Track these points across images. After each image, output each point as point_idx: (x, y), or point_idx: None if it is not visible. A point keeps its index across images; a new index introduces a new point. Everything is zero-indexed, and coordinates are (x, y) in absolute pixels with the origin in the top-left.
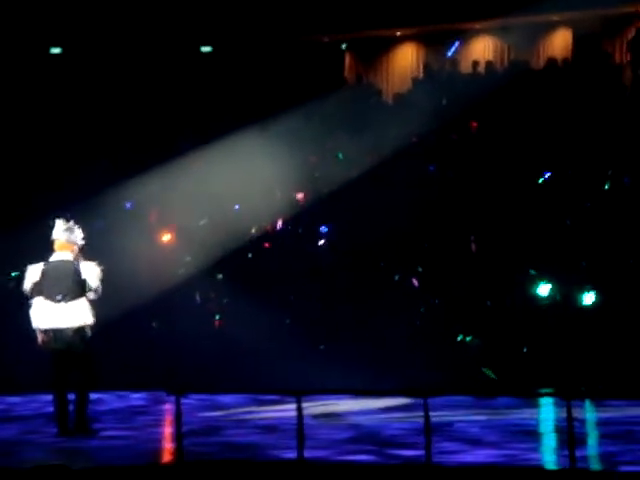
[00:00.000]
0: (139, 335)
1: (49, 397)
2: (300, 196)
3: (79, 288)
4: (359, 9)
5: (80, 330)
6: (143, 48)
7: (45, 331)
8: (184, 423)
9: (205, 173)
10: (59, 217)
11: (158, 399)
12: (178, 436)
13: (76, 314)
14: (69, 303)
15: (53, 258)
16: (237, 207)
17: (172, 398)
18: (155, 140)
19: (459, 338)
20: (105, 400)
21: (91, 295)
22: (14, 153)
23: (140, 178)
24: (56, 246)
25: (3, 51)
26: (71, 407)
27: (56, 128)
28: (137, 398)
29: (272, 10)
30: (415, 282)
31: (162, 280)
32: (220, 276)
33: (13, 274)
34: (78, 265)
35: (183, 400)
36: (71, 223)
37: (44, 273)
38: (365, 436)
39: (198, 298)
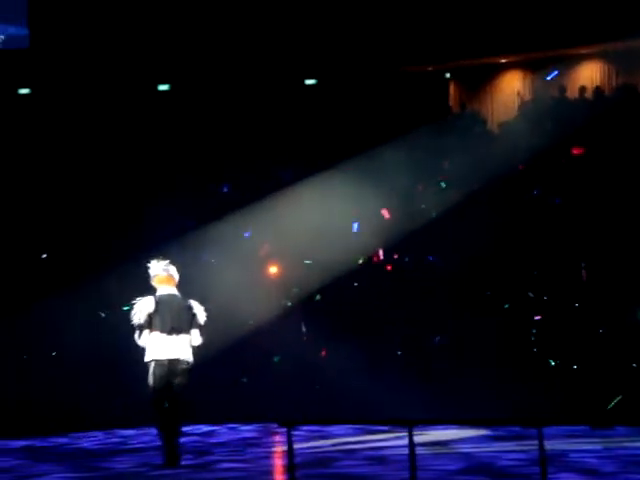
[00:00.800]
0: (248, 367)
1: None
2: (385, 213)
3: (189, 322)
4: (463, 38)
5: (187, 362)
6: (249, 81)
7: (158, 361)
8: (296, 455)
9: (310, 204)
10: (154, 257)
11: (269, 431)
12: (290, 468)
13: (186, 347)
14: (180, 336)
15: (162, 292)
16: (355, 226)
17: (283, 429)
18: (259, 171)
19: (552, 363)
20: (217, 432)
21: (196, 332)
22: (115, 185)
23: (246, 210)
24: (158, 281)
25: (113, 88)
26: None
27: (157, 161)
28: (248, 430)
29: (376, 41)
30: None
31: (269, 311)
32: (318, 297)
33: (125, 308)
34: (187, 301)
35: (294, 431)
36: (167, 261)
37: (157, 306)
38: (478, 467)
39: (304, 328)
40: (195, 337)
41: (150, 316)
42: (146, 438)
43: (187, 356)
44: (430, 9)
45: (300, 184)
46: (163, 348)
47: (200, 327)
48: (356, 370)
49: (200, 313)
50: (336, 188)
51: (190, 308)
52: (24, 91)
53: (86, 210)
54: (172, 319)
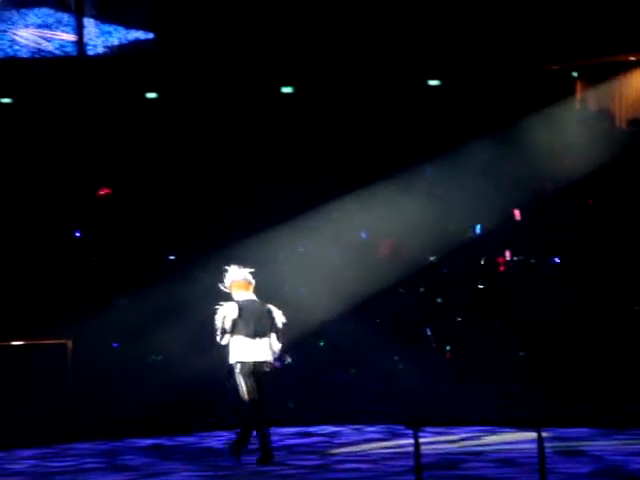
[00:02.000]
0: (377, 369)
1: (288, 430)
2: (517, 213)
3: (269, 326)
4: (590, 36)
5: (268, 364)
6: (370, 81)
7: (244, 363)
8: (422, 456)
9: (430, 201)
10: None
11: (394, 432)
12: (418, 469)
13: (267, 349)
14: (263, 339)
15: (242, 298)
16: (478, 228)
17: (409, 431)
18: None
19: None
20: (341, 433)
21: (274, 335)
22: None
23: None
24: (237, 286)
25: (236, 90)
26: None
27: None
28: (373, 431)
29: (503, 39)
30: None
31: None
32: (439, 300)
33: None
34: (266, 305)
35: (420, 433)
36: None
37: (240, 312)
38: (608, 470)
39: (429, 332)
40: (274, 340)
41: (233, 321)
42: (274, 438)
43: (269, 358)
44: (556, 7)
45: (428, 179)
46: (248, 351)
47: (278, 330)
48: (478, 372)
49: (278, 317)
50: (459, 185)
51: (270, 312)
52: (151, 95)
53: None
54: (255, 324)
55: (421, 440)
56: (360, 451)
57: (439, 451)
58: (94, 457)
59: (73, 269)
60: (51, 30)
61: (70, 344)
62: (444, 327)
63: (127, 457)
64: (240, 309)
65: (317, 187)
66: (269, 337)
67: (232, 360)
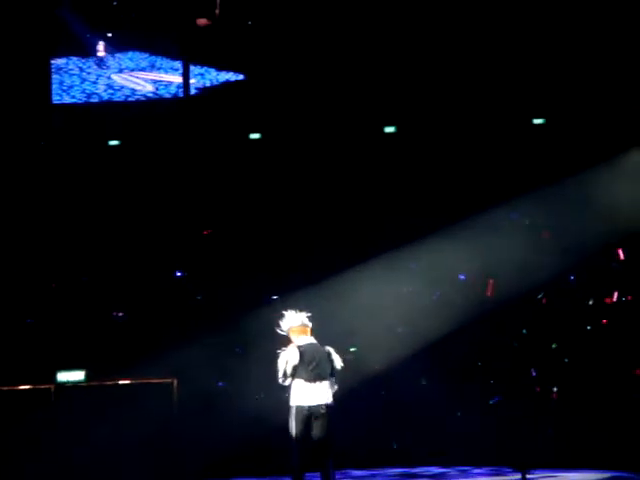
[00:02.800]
0: (482, 410)
1: (393, 470)
2: (620, 252)
3: (329, 369)
4: None
5: (326, 406)
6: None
7: (300, 407)
8: None
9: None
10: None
11: (500, 474)
12: None
13: (326, 392)
14: (322, 382)
15: (301, 342)
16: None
17: (517, 474)
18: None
19: None
20: (448, 475)
21: (333, 378)
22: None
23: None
24: (295, 332)
25: (339, 130)
26: None
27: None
28: (480, 473)
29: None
30: None
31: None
32: (554, 346)
33: (352, 349)
34: (325, 348)
35: (528, 476)
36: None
37: (302, 356)
38: None
39: (534, 373)
40: (332, 383)
41: (294, 367)
42: (379, 479)
43: (327, 400)
44: None
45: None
46: (306, 395)
47: (336, 373)
48: (586, 414)
49: (337, 360)
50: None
51: (329, 355)
52: (255, 136)
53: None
54: (315, 368)
55: None
56: None
57: None
58: None
59: (176, 308)
60: (146, 73)
61: (175, 382)
62: (550, 368)
63: None
64: (301, 354)
65: (413, 226)
66: (329, 380)
67: (291, 403)
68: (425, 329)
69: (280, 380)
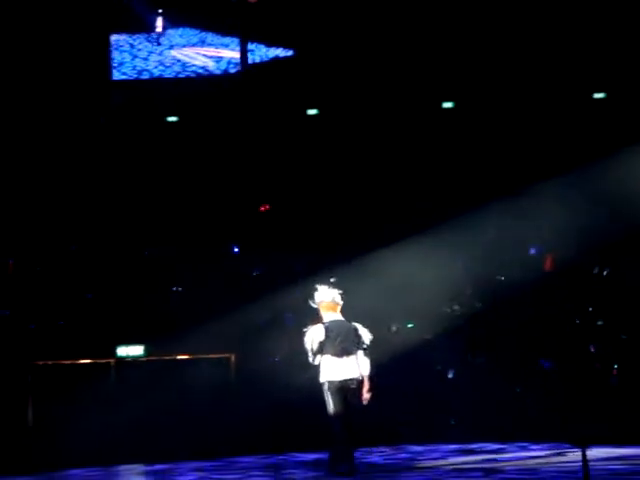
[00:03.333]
0: (539, 386)
1: (450, 447)
2: None
3: (356, 344)
4: None
5: (357, 381)
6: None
7: (332, 382)
8: (591, 475)
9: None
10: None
11: (559, 450)
12: None
13: (354, 367)
14: (350, 357)
15: (328, 319)
16: None
17: (576, 449)
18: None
19: None
20: (506, 450)
21: (361, 352)
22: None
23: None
24: (325, 307)
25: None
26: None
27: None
28: (538, 448)
29: None
30: None
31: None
32: (600, 322)
33: (409, 325)
34: (352, 324)
35: (587, 452)
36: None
37: (327, 333)
38: None
39: (592, 349)
40: (361, 358)
41: (320, 343)
42: (436, 454)
43: (356, 375)
44: None
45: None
46: (335, 370)
47: (365, 348)
48: None
49: (365, 335)
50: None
51: (356, 330)
52: (312, 112)
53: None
54: (341, 343)
55: (589, 458)
56: (527, 468)
57: (609, 470)
58: (259, 470)
59: (233, 283)
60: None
61: (233, 357)
62: (609, 345)
63: (293, 471)
64: (326, 330)
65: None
66: (356, 355)
67: (322, 379)
68: (477, 304)
69: (310, 359)
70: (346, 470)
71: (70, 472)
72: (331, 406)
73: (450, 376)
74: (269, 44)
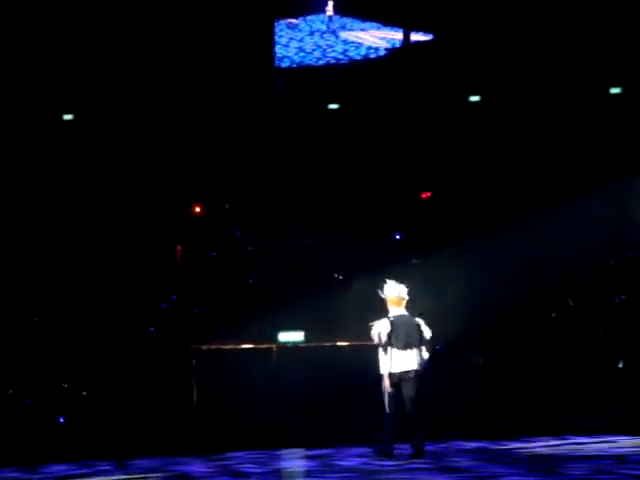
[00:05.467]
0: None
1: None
2: None
3: (419, 339)
4: None
5: (415, 372)
6: None
7: (392, 374)
8: None
9: None
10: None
11: None
12: None
13: (415, 359)
14: (412, 350)
15: (394, 313)
16: None
17: None
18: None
19: None
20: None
21: (423, 347)
22: None
23: None
24: (391, 302)
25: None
26: None
27: None
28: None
29: None
30: None
31: None
32: None
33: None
34: (415, 319)
35: None
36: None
37: (392, 326)
38: None
39: None
40: (423, 351)
41: (388, 335)
42: (604, 446)
43: (415, 366)
44: None
45: None
46: (397, 362)
47: (427, 342)
48: None
49: (426, 330)
50: None
51: (418, 326)
52: (474, 98)
53: None
54: (405, 337)
55: None
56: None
57: None
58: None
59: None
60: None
61: None
62: None
63: (454, 459)
64: (392, 324)
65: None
66: (418, 348)
67: (382, 370)
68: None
69: (381, 351)
70: (414, 453)
71: (234, 454)
72: (386, 398)
73: (620, 366)
74: (409, 28)
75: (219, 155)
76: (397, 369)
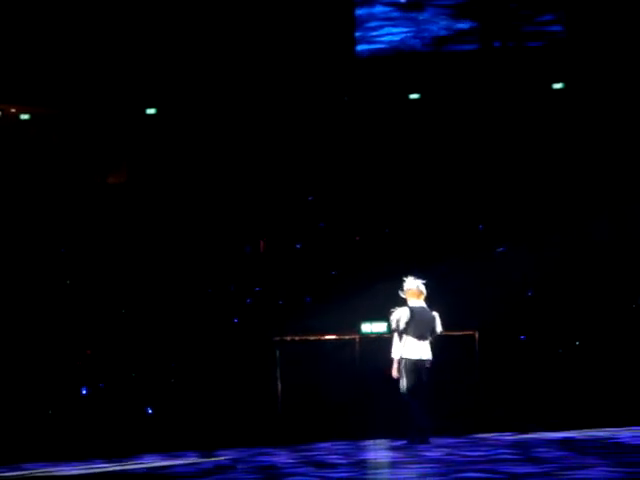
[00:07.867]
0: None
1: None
2: None
3: (432, 331)
4: None
5: (429, 361)
6: None
7: (409, 360)
8: None
9: None
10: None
11: None
12: None
13: (428, 349)
14: (426, 341)
15: (414, 304)
16: None
17: None
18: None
19: None
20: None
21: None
22: None
23: None
24: (411, 294)
25: None
26: None
27: None
28: None
29: None
30: None
31: None
32: None
33: None
34: (431, 313)
35: None
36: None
37: (412, 316)
38: None
39: None
40: (431, 343)
41: (407, 323)
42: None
43: (429, 356)
44: None
45: None
46: (413, 350)
47: (436, 336)
48: None
49: (439, 325)
50: None
51: (434, 319)
52: (558, 86)
53: None
54: (421, 327)
55: None
56: None
57: None
58: (507, 448)
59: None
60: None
61: (477, 335)
62: None
63: (541, 450)
64: (411, 312)
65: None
66: (430, 339)
67: (398, 356)
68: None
69: (396, 337)
70: (421, 440)
71: (319, 445)
72: (404, 381)
73: None
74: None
75: (299, 145)
76: (413, 356)
